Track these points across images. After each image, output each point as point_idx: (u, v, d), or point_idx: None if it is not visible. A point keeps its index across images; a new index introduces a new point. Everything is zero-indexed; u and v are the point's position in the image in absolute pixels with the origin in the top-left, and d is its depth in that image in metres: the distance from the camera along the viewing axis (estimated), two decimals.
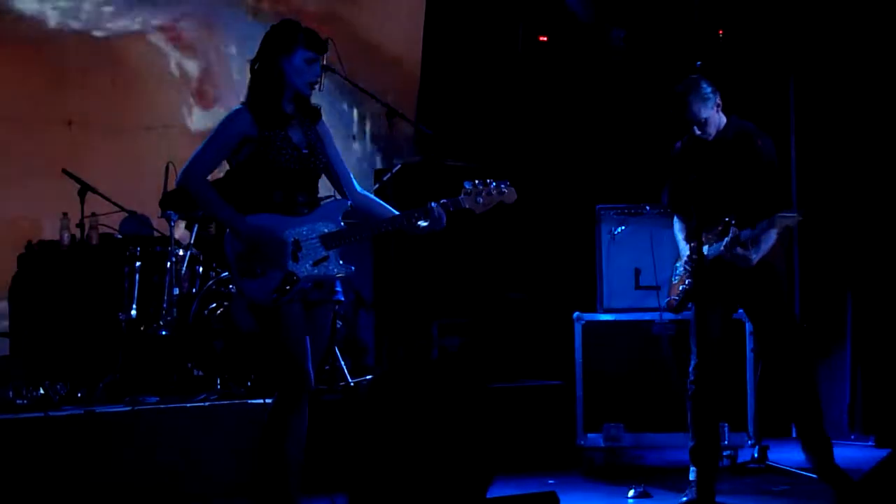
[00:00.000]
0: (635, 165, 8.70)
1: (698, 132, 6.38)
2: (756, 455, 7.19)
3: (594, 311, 7.61)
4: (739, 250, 6.28)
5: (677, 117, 6.39)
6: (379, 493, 4.65)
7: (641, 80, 9.02)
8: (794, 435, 7.92)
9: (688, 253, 6.50)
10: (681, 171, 6.53)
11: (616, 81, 9.24)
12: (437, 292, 8.66)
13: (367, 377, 7.76)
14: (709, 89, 6.34)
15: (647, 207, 7.58)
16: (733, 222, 6.28)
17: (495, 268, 9.02)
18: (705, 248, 6.34)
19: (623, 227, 7.58)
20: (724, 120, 6.44)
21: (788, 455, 7.19)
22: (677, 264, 6.62)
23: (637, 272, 7.53)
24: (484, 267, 8.94)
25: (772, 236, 6.34)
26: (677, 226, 6.63)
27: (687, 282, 6.49)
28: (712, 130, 6.40)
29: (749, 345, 7.37)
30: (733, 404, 7.30)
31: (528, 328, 8.74)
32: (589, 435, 7.40)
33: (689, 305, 6.48)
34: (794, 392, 6.40)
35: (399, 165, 8.06)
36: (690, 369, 6.44)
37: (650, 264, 7.41)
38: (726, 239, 6.26)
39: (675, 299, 6.59)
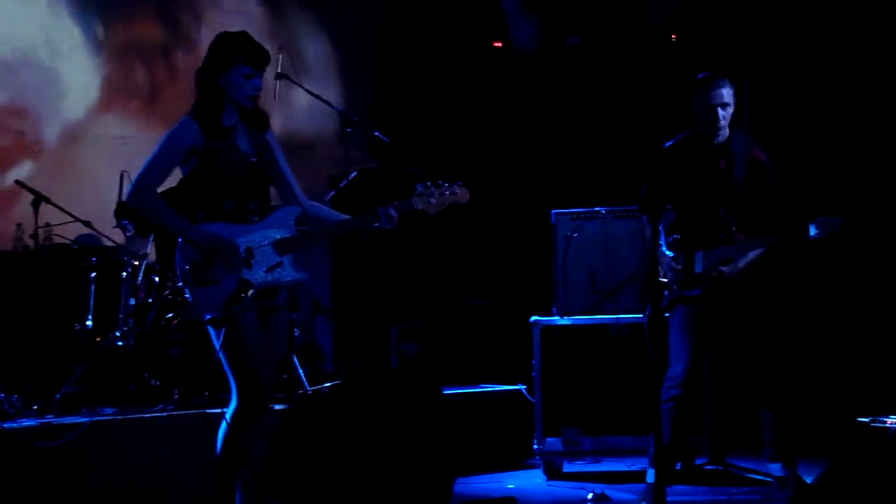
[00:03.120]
0: (591, 169, 8.71)
1: (718, 127, 6.36)
2: (714, 457, 7.20)
3: (552, 315, 7.54)
4: (725, 269, 6.32)
5: (697, 109, 6.35)
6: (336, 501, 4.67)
7: (596, 84, 9.03)
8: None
9: (673, 260, 6.47)
10: (671, 171, 6.49)
11: (571, 86, 9.23)
12: (395, 298, 8.65)
13: (326, 385, 7.72)
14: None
15: (603, 211, 7.54)
16: (735, 229, 6.33)
17: (453, 273, 9.04)
18: (699, 256, 6.37)
19: (578, 232, 7.51)
20: (728, 130, 6.46)
21: (745, 459, 7.16)
22: (664, 267, 6.57)
23: (593, 276, 7.48)
24: (442, 273, 8.96)
25: (761, 249, 6.37)
26: (648, 229, 6.49)
27: (673, 288, 6.48)
28: (725, 133, 6.43)
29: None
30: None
31: (486, 333, 8.75)
32: (548, 439, 7.34)
33: (674, 311, 6.49)
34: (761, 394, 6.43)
35: (355, 172, 8.01)
36: (674, 374, 6.42)
37: (606, 268, 7.43)
38: (709, 260, 6.30)
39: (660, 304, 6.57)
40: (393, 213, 5.30)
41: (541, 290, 7.86)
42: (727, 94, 6.40)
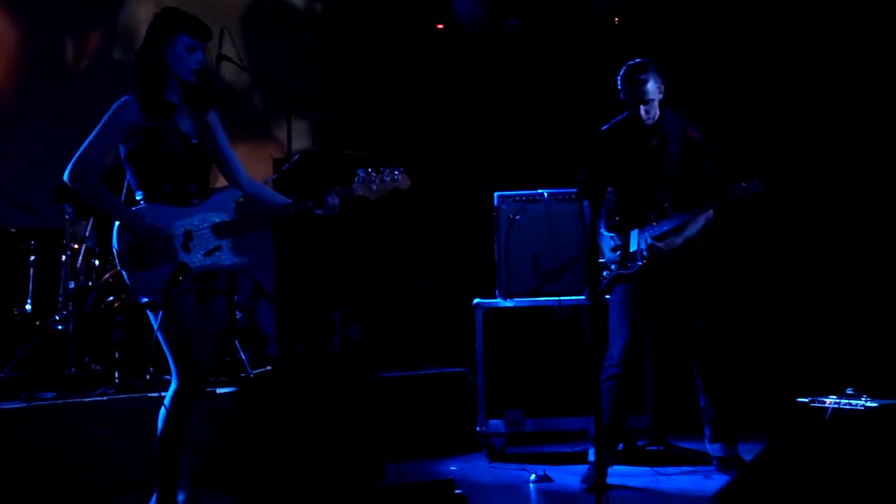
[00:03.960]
0: (534, 152, 8.71)
1: (644, 113, 6.37)
2: (655, 437, 7.26)
3: (494, 298, 7.53)
4: (661, 244, 6.36)
5: (627, 95, 6.36)
6: (268, 487, 4.66)
7: (539, 67, 9.02)
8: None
9: (612, 241, 6.52)
10: (607, 154, 6.51)
11: (513, 68, 9.20)
12: (338, 281, 8.61)
13: (268, 368, 7.69)
14: (660, 77, 6.41)
15: (545, 194, 7.53)
16: (667, 205, 6.35)
17: (396, 256, 9.00)
18: (634, 234, 6.41)
19: (521, 214, 7.50)
20: (657, 112, 6.45)
21: (687, 439, 7.21)
22: (604, 248, 6.59)
23: (535, 258, 7.48)
24: (385, 256, 8.92)
25: (699, 221, 6.41)
26: (588, 212, 6.46)
27: (612, 267, 6.51)
28: (655, 114, 6.42)
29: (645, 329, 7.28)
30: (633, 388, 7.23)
31: (430, 316, 8.72)
32: (490, 421, 7.33)
33: (613, 291, 6.51)
34: (702, 379, 6.48)
35: (297, 155, 7.99)
36: (612, 353, 6.43)
37: (549, 250, 7.43)
38: (648, 233, 6.35)
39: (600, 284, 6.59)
40: (334, 199, 5.32)
41: (483, 273, 7.84)
42: (651, 89, 6.38)
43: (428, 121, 9.43)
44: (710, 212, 6.46)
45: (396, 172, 5.43)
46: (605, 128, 6.60)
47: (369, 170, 5.40)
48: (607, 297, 6.60)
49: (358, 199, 5.40)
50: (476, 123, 9.32)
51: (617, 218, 6.63)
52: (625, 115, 6.52)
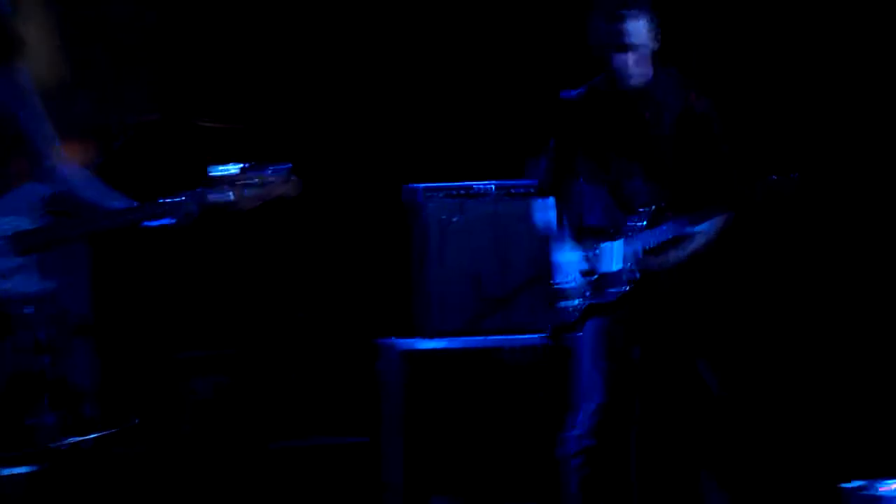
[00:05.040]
0: (471, 129, 8.46)
1: (629, 69, 6.13)
2: None
3: (415, 335, 7.41)
4: (653, 262, 6.18)
5: (602, 41, 6.15)
6: None
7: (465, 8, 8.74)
8: None
9: (584, 254, 6.34)
10: (578, 131, 6.32)
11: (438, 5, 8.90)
12: (186, 313, 8.30)
13: (88, 437, 7.20)
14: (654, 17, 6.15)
15: (492, 187, 7.37)
16: (664, 205, 6.15)
17: (273, 277, 8.67)
18: (616, 246, 6.21)
19: (458, 216, 7.37)
20: (650, 69, 6.20)
21: None
22: (568, 268, 6.40)
23: (478, 279, 7.34)
24: (256, 276, 8.59)
25: (709, 230, 6.22)
26: (552, 213, 6.42)
27: (586, 294, 6.24)
28: (647, 73, 6.18)
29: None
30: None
31: (321, 360, 8.45)
32: None
33: (584, 328, 6.30)
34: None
35: (133, 130, 7.71)
36: (584, 418, 6.24)
37: (496, 267, 7.34)
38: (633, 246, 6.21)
39: (566, 319, 6.36)
40: (192, 206, 5.10)
41: (398, 300, 7.73)
42: (637, 30, 6.19)
43: (317, 80, 9.00)
44: (727, 216, 6.23)
45: (282, 172, 5.18)
46: (573, 93, 6.38)
47: (244, 166, 5.15)
48: (577, 335, 6.34)
49: (218, 206, 5.18)
50: (387, 86, 8.94)
51: (591, 223, 6.38)
52: (600, 76, 6.31)
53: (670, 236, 6.19)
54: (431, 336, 7.35)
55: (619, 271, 6.19)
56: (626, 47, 6.10)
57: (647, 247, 6.17)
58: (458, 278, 7.40)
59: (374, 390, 7.45)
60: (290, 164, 5.18)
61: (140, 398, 8.09)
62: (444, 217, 7.38)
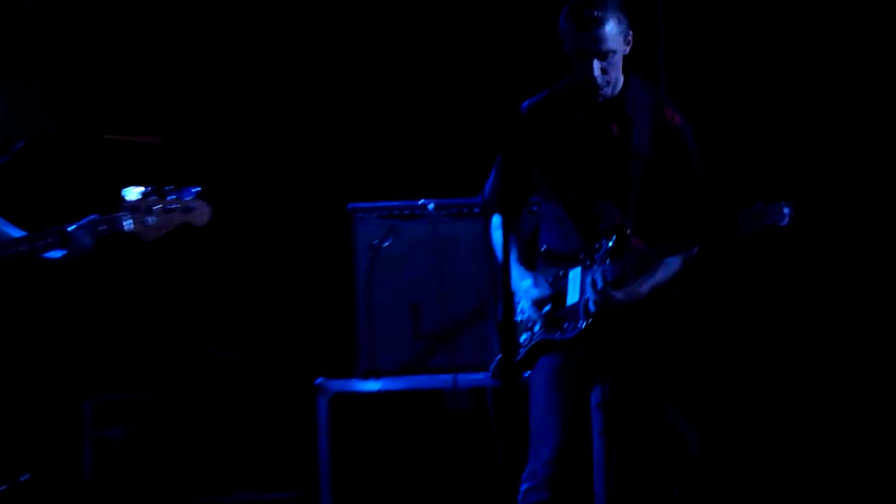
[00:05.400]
0: (412, 143, 8.18)
1: (597, 76, 5.85)
2: None
3: (349, 375, 6.96)
4: (618, 295, 5.84)
5: (571, 47, 5.87)
6: None
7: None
8: None
9: (536, 287, 6.07)
10: (534, 145, 6.04)
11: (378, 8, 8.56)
12: (91, 351, 7.97)
13: None
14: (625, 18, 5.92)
15: (430, 206, 6.98)
16: (629, 231, 5.90)
17: (189, 310, 8.31)
18: (574, 275, 5.93)
19: (391, 239, 6.95)
20: (621, 77, 5.96)
21: None
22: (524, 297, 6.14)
23: (416, 310, 6.95)
24: (169, 309, 8.24)
25: (675, 260, 5.96)
26: (500, 236, 6.09)
27: (536, 329, 5.98)
28: (616, 81, 5.93)
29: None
30: None
31: (245, 404, 8.12)
32: None
33: (536, 367, 6.01)
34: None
35: (22, 142, 6.90)
36: (534, 469, 5.88)
37: (436, 297, 6.98)
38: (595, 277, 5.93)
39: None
40: (87, 238, 5.06)
41: (330, 335, 7.48)
42: (609, 34, 5.92)
43: (243, 87, 8.67)
44: (697, 248, 6.03)
45: (188, 197, 5.12)
46: (531, 102, 6.14)
47: (146, 190, 5.11)
48: (527, 374, 6.06)
49: (119, 234, 5.09)
50: (322, 95, 8.61)
51: (545, 248, 6.10)
52: (562, 83, 6.05)
53: (634, 266, 5.92)
54: (365, 376, 6.94)
55: (576, 304, 5.91)
56: (600, 55, 5.92)
57: (609, 277, 5.85)
58: (392, 310, 6.99)
59: (310, 437, 7.07)
60: (199, 188, 5.08)
61: (37, 450, 7.75)
62: (374, 242, 7.01)
